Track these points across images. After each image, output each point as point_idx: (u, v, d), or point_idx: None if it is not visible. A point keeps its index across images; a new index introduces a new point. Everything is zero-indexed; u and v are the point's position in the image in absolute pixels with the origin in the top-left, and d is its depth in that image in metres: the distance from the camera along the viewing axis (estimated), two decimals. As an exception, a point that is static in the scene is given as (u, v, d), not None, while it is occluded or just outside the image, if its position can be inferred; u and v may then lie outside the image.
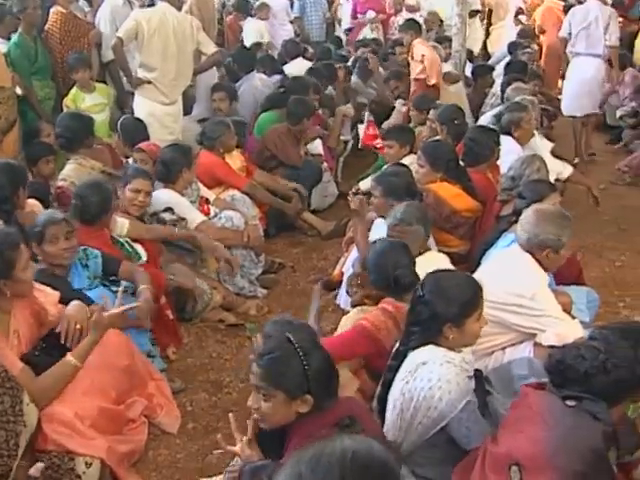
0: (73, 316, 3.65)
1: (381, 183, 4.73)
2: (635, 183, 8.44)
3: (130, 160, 5.82)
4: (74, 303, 3.74)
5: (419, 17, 11.15)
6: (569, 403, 2.55)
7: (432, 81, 8.13)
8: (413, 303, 3.15)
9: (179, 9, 6.85)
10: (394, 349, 3.22)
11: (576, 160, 8.77)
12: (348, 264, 4.67)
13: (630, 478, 2.78)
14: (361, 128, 8.03)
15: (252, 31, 10.65)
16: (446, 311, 3.02)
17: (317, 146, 7.41)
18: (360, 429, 2.68)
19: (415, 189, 4.75)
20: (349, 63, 9.89)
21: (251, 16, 11.21)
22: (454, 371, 2.94)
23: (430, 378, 2.94)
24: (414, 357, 3.05)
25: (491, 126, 5.88)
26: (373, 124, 8.39)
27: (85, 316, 3.66)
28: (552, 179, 5.36)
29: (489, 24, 13.60)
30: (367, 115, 8.57)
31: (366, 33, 12.46)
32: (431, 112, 6.70)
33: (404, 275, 3.59)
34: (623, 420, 2.72)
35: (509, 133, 5.93)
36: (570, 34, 8.95)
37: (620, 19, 10.17)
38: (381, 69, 9.71)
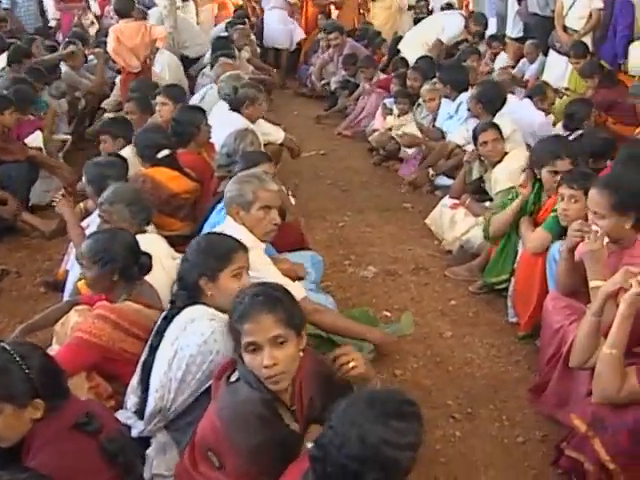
0: None
1: (87, 174, 4.72)
2: (354, 145, 8.92)
3: None
4: None
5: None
6: (232, 379, 2.70)
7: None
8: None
9: None
10: (162, 316, 3.22)
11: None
12: (71, 262, 4.55)
13: None
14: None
15: None
16: (201, 263, 3.17)
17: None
18: (100, 424, 2.68)
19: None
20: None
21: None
22: (222, 326, 3.00)
23: (203, 332, 2.99)
24: (181, 317, 3.11)
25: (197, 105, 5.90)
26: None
27: None
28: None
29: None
30: None
31: None
32: (128, 104, 6.60)
33: (146, 260, 3.59)
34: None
35: (238, 109, 6.04)
36: None
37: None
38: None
